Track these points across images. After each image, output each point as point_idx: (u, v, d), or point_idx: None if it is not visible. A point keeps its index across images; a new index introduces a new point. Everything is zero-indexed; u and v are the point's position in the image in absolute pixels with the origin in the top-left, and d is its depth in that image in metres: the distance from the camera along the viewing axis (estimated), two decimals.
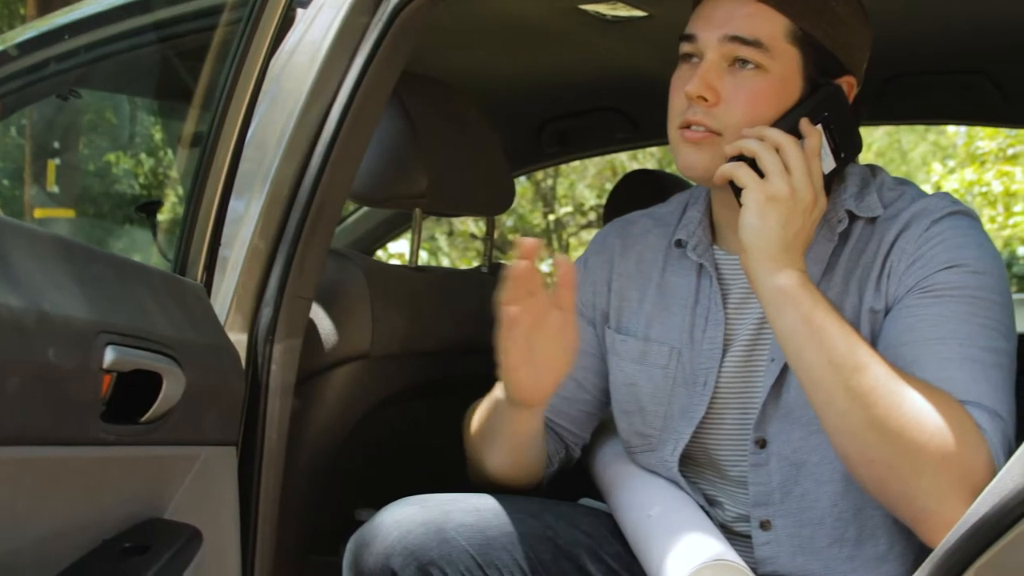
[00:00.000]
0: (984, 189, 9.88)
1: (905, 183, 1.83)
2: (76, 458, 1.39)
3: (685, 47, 1.77)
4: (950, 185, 10.13)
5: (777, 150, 1.67)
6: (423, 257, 8.82)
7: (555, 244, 10.64)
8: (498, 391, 1.83)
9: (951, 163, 11.26)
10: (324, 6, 2.00)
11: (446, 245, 10.43)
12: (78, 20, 2.37)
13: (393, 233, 3.89)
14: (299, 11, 2.01)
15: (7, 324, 1.23)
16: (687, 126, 1.75)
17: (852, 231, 1.77)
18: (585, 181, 10.88)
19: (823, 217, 1.76)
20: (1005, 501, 1.36)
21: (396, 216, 3.62)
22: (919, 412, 1.53)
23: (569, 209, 10.70)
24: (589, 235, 10.77)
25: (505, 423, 1.83)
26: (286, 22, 1.86)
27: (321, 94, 1.93)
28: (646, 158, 9.71)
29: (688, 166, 1.77)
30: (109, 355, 1.39)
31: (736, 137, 1.71)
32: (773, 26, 1.71)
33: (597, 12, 2.42)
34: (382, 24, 1.95)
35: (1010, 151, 9.94)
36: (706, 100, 1.72)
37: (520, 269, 1.61)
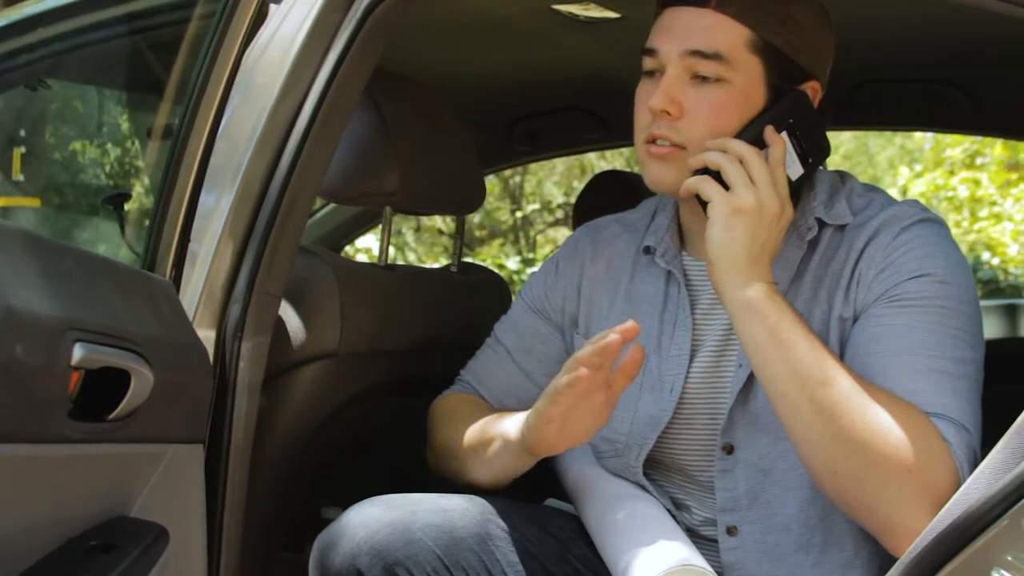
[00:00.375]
0: (950, 194, 9.95)
1: (874, 190, 1.83)
2: (42, 456, 1.38)
3: (647, 62, 1.77)
4: (917, 189, 10.18)
5: (741, 161, 1.67)
6: (390, 253, 8.81)
7: (523, 242, 10.63)
8: (508, 427, 1.81)
9: (918, 167, 11.34)
10: (297, 2, 1.99)
11: (413, 241, 10.40)
12: (49, 10, 2.35)
13: (361, 229, 3.89)
14: (272, 6, 2.00)
15: None
16: (652, 140, 1.75)
17: (821, 238, 1.77)
18: (553, 179, 10.88)
19: (792, 225, 1.77)
20: (971, 511, 1.37)
21: (364, 212, 3.62)
22: (884, 425, 1.54)
23: (537, 207, 10.69)
24: (556, 233, 10.76)
25: (506, 458, 1.81)
26: (259, 17, 1.85)
27: (293, 90, 1.92)
28: (615, 157, 9.70)
29: (655, 181, 1.77)
30: (77, 352, 1.38)
31: (701, 150, 1.71)
32: (733, 37, 1.71)
33: (570, 12, 2.42)
34: (355, 21, 1.94)
35: (979, 160, 10.03)
36: (670, 114, 1.72)
37: (612, 343, 1.60)
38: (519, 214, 10.58)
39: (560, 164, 10.55)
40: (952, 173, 10.09)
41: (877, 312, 1.68)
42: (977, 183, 9.91)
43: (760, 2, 1.72)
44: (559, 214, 10.61)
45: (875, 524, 1.58)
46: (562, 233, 11.10)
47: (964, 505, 1.39)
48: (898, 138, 12.31)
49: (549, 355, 1.99)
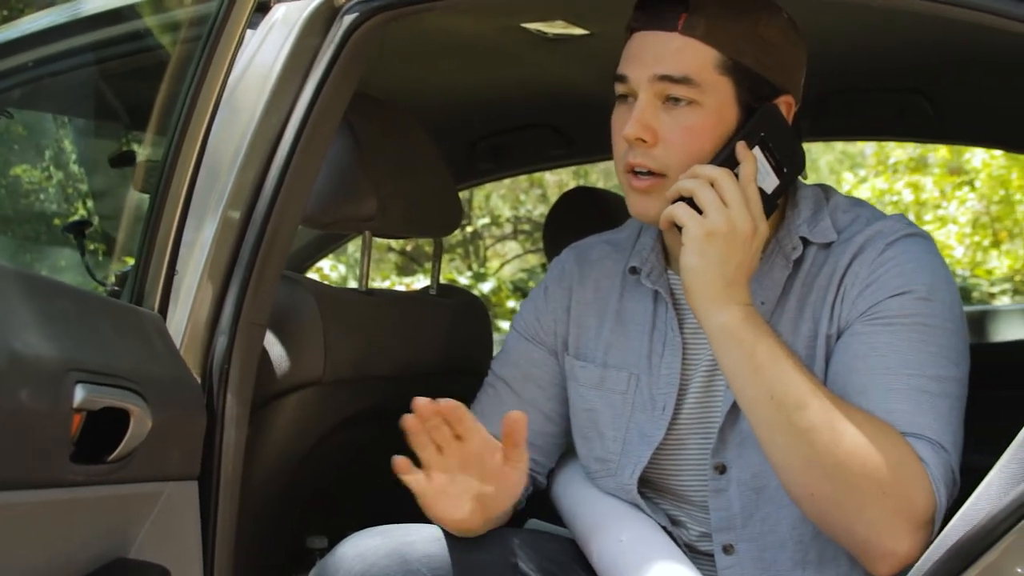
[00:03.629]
0: (895, 198, 10.06)
1: (860, 204, 1.83)
2: (45, 501, 1.35)
3: (619, 87, 1.76)
4: (861, 194, 10.26)
5: (713, 184, 1.66)
6: (341, 271, 8.76)
7: (472, 257, 10.62)
8: None
9: (861, 172, 11.44)
10: (274, 27, 1.97)
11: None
12: (15, 39, 2.32)
13: (323, 252, 3.85)
14: (248, 32, 1.97)
15: None
16: (631, 170, 1.74)
17: (806, 257, 1.77)
18: (500, 192, 10.89)
19: (777, 245, 1.77)
20: (981, 525, 1.38)
21: (326, 236, 3.58)
22: (860, 448, 1.55)
23: (486, 221, 10.69)
24: (505, 248, 10.78)
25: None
26: (239, 44, 1.83)
27: (273, 117, 1.90)
28: (563, 170, 9.72)
29: (639, 213, 1.77)
30: (79, 394, 1.35)
31: (679, 174, 1.70)
32: (702, 60, 1.70)
33: (538, 30, 2.41)
34: (334, 45, 1.92)
35: (929, 157, 10.14)
36: (645, 141, 1.72)
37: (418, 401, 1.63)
38: (469, 229, 10.58)
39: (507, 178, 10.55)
40: (895, 171, 10.19)
41: (860, 330, 1.68)
42: (921, 188, 10.02)
43: (727, 23, 1.71)
44: (507, 228, 10.61)
45: (854, 545, 1.60)
46: (510, 247, 11.10)
47: (973, 519, 1.39)
48: (838, 144, 12.39)
49: (548, 380, 1.97)
